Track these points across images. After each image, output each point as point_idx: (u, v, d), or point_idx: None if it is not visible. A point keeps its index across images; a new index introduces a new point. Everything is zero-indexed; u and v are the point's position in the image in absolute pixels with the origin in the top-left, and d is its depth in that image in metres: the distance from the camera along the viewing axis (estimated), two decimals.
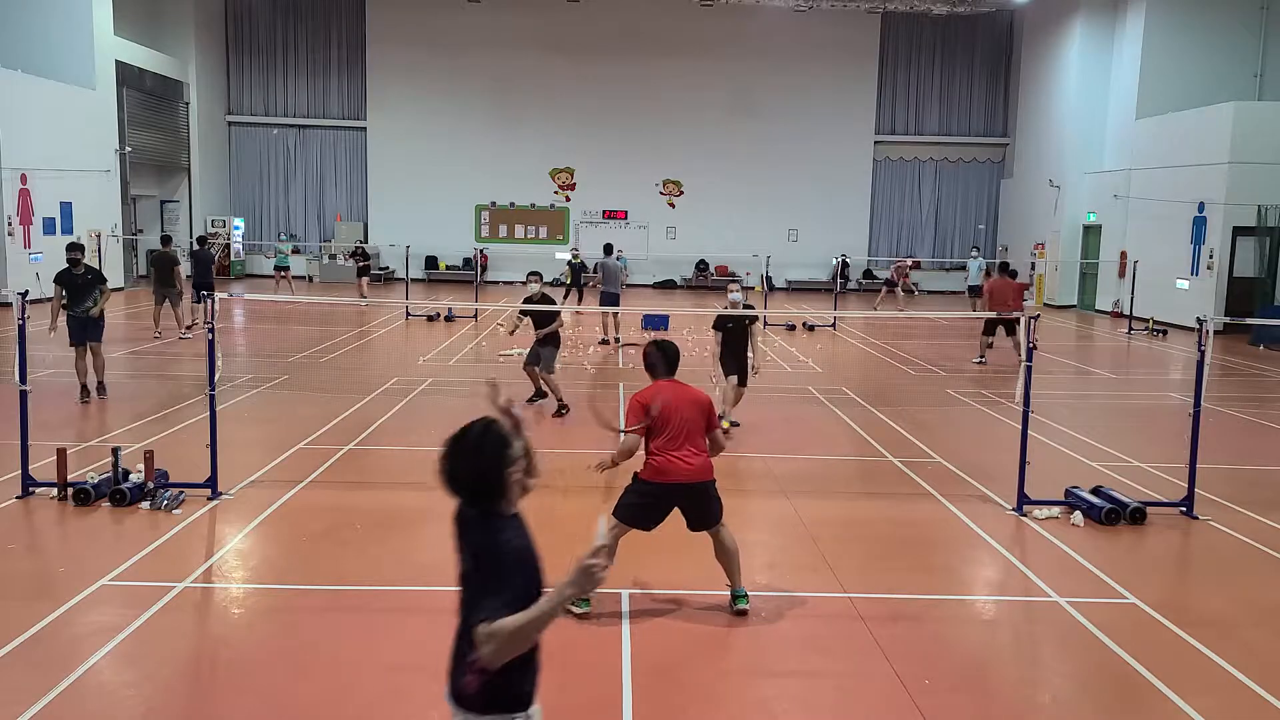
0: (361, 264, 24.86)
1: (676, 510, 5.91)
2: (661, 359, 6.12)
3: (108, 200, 25.59)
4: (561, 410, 11.50)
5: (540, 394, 11.90)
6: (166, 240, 19.37)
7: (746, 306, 11.35)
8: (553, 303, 11.56)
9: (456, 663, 2.88)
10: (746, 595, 5.96)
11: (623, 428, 5.92)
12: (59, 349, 15.63)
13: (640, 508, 5.85)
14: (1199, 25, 25.36)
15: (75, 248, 11.93)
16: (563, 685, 5.00)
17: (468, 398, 12.45)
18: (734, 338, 10.77)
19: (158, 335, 17.16)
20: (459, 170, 32.64)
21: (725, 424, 10.73)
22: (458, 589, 2.87)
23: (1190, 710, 4.84)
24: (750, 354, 10.87)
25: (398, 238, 29.31)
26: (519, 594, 2.79)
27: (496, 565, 2.83)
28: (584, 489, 7.66)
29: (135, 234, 29.04)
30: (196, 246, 19.40)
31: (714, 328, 10.83)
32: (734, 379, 10.77)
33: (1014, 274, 17.65)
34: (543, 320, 11.51)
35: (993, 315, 15.17)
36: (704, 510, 5.94)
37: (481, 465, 2.84)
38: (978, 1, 29.76)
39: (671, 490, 5.81)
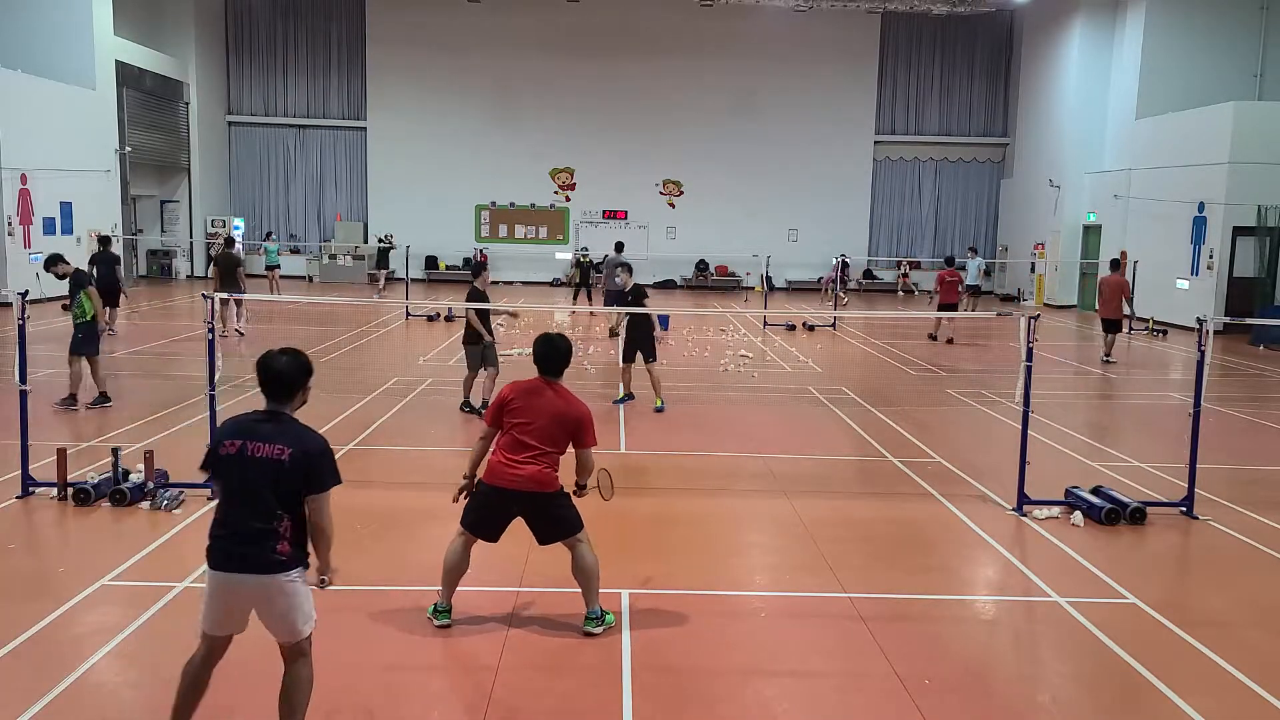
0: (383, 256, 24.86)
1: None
2: (542, 355, 5.60)
3: (108, 200, 25.59)
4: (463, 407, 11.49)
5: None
6: (230, 243, 19.67)
7: (636, 290, 12.04)
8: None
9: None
10: (598, 619, 5.52)
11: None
12: (57, 349, 15.65)
13: (476, 510, 5.52)
14: (1199, 25, 25.37)
15: (54, 260, 11.61)
16: (563, 685, 5.00)
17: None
18: (632, 324, 11.78)
19: (224, 335, 17.51)
20: (459, 170, 32.65)
21: (615, 398, 12.02)
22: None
23: (1190, 710, 4.84)
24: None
25: (398, 237, 29.31)
26: None
27: None
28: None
29: (135, 234, 29.04)
30: (224, 248, 19.38)
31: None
32: (631, 365, 11.86)
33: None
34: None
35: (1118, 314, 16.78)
36: (542, 524, 5.49)
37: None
38: (978, 1, 29.75)
39: (499, 495, 5.41)
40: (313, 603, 4.11)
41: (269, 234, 30.50)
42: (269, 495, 3.95)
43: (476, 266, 12.02)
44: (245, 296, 15.54)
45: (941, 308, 19.40)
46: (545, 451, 5.39)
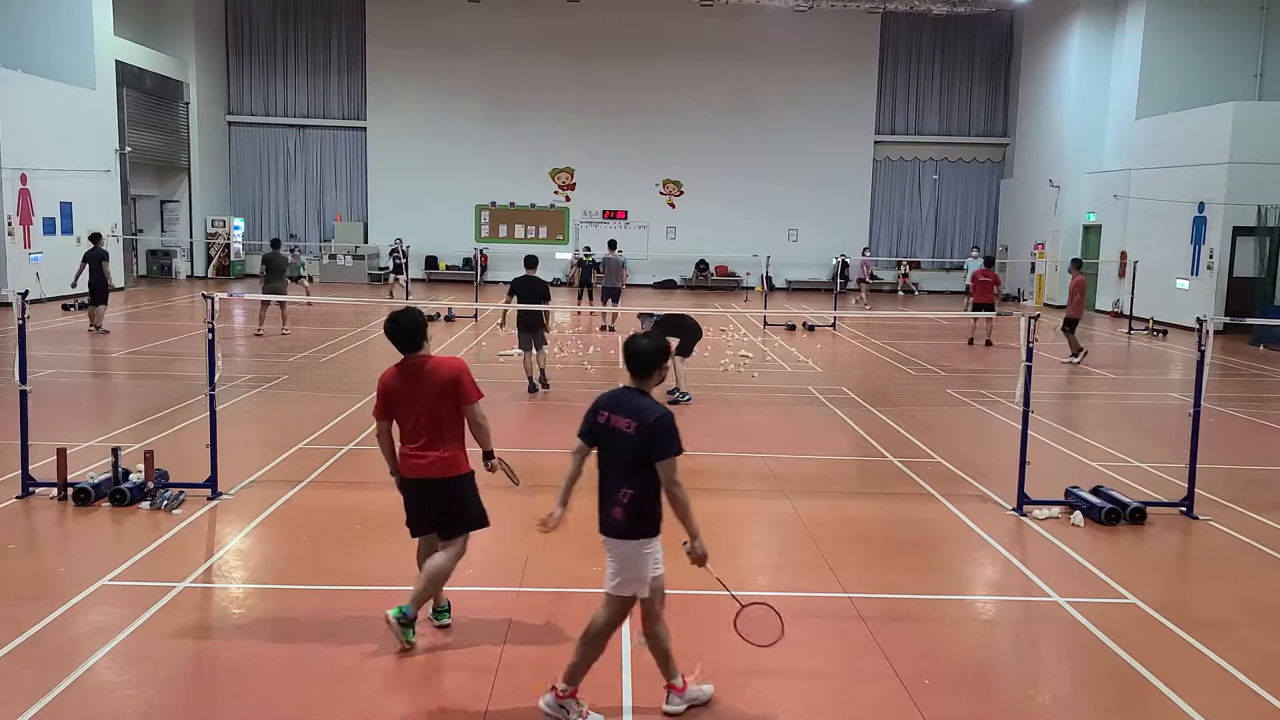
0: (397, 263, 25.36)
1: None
2: (393, 337, 5.28)
3: (108, 200, 25.59)
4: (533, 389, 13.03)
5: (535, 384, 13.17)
6: (276, 243, 19.71)
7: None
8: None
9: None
10: (403, 616, 5.21)
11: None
12: (57, 349, 15.67)
13: (407, 508, 5.42)
14: (1199, 25, 25.36)
15: None
16: None
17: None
18: (678, 330, 12.47)
19: (259, 333, 17.88)
20: (459, 170, 32.65)
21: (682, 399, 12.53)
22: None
23: (1190, 710, 4.84)
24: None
25: (397, 237, 29.27)
26: None
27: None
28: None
29: (135, 234, 29.03)
30: (270, 249, 19.38)
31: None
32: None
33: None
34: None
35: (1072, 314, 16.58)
36: (449, 513, 5.31)
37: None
38: (978, 1, 29.75)
39: (416, 486, 5.30)
40: (650, 574, 4.56)
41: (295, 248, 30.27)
42: (619, 465, 4.45)
43: (533, 259, 13.52)
44: (286, 299, 15.66)
45: (976, 307, 19.14)
46: (439, 430, 5.22)
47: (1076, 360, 16.76)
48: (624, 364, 4.62)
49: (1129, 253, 24.70)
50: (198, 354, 14.14)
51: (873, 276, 33.38)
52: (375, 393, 5.37)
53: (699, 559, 4.53)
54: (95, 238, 18.72)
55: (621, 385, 4.65)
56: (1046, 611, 6.14)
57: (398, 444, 5.37)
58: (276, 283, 18.20)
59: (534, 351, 13.01)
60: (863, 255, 29.98)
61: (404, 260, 25.17)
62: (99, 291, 17.62)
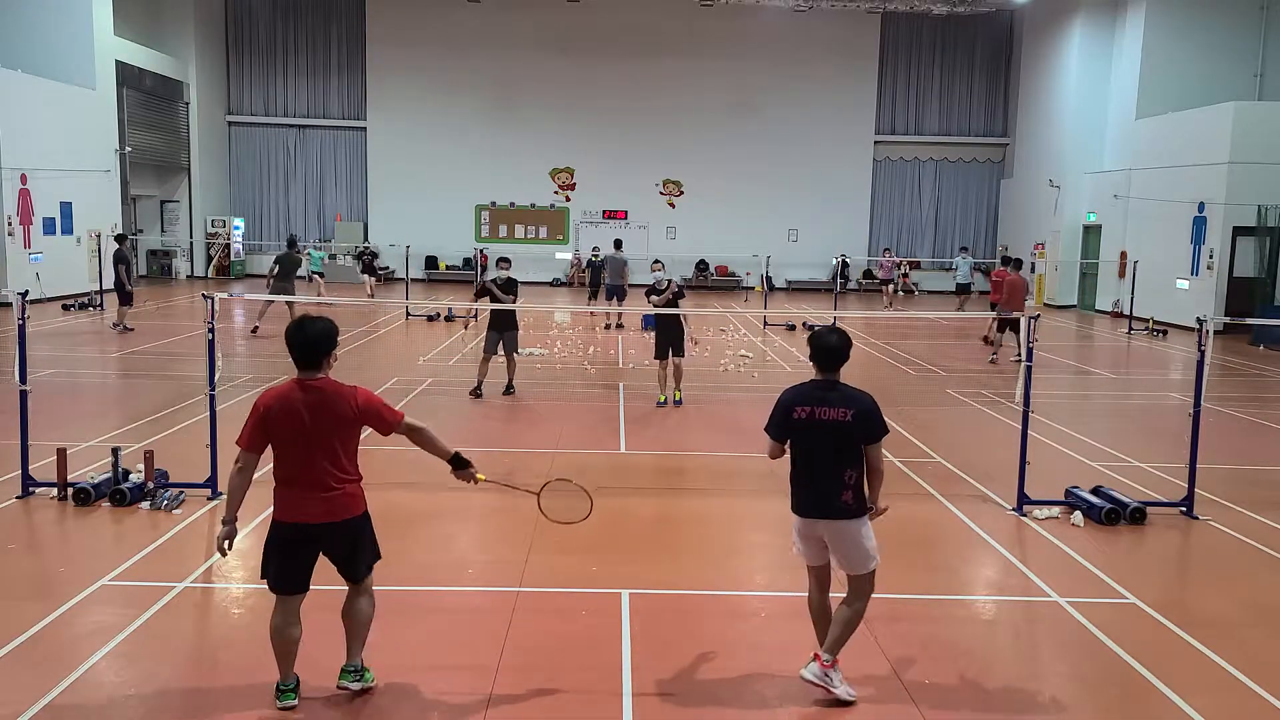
0: (368, 261, 25.03)
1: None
2: (292, 344, 4.50)
3: (108, 200, 25.59)
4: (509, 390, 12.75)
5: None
6: (292, 243, 19.71)
7: (672, 287, 12.33)
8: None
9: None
10: (357, 672, 4.74)
11: None
12: (57, 349, 15.67)
13: (277, 559, 4.53)
14: (1199, 25, 25.37)
15: None
16: (563, 685, 5.00)
17: (468, 397, 12.47)
18: (664, 321, 11.98)
19: (256, 330, 17.95)
20: (459, 170, 32.64)
21: (673, 396, 12.19)
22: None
23: (1190, 710, 4.84)
24: (686, 329, 12.15)
25: (398, 238, 29.30)
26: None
27: None
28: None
29: (135, 234, 29.03)
30: (285, 248, 19.23)
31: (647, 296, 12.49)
32: (667, 360, 12.05)
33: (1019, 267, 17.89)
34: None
35: (1010, 314, 15.39)
36: (349, 556, 4.62)
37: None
38: (978, 1, 29.75)
39: (299, 532, 4.48)
40: (875, 543, 4.87)
41: (316, 244, 30.06)
42: (835, 452, 4.77)
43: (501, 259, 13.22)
44: (295, 299, 15.66)
45: (993, 307, 18.81)
46: (337, 466, 4.50)
47: (1015, 359, 16.55)
48: (811, 359, 4.93)
49: (1129, 253, 24.70)
50: (198, 354, 14.13)
51: (867, 275, 33.46)
52: (252, 414, 4.51)
53: (881, 511, 4.93)
54: (119, 239, 19.07)
55: (808, 381, 4.93)
56: (1046, 611, 6.14)
57: (269, 481, 4.57)
58: (285, 283, 18.10)
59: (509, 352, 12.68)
60: (883, 255, 29.88)
61: (374, 259, 24.90)
62: (119, 292, 18.02)
